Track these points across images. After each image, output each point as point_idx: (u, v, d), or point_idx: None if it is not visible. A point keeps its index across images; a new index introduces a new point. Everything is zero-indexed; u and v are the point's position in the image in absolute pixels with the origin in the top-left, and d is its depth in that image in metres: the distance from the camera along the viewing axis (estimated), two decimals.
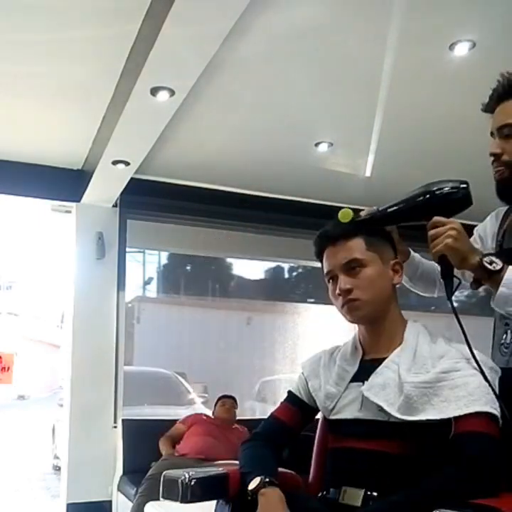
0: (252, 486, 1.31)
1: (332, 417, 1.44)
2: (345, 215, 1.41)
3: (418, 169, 4.20)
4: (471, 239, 1.46)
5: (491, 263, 1.28)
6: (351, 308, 1.39)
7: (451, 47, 2.68)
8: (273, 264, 7.39)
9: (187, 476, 1.38)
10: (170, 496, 1.41)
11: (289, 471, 1.54)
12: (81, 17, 2.51)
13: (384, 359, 1.37)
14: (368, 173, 4.20)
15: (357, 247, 1.40)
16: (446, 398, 1.24)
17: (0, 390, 16.54)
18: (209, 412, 4.15)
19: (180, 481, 1.37)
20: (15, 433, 10.95)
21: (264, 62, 2.86)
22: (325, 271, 1.45)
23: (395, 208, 1.38)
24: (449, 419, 1.23)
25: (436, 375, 1.27)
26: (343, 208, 1.44)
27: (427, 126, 3.55)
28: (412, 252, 1.64)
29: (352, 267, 1.39)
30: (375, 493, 1.29)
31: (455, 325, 1.31)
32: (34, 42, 2.67)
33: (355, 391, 1.39)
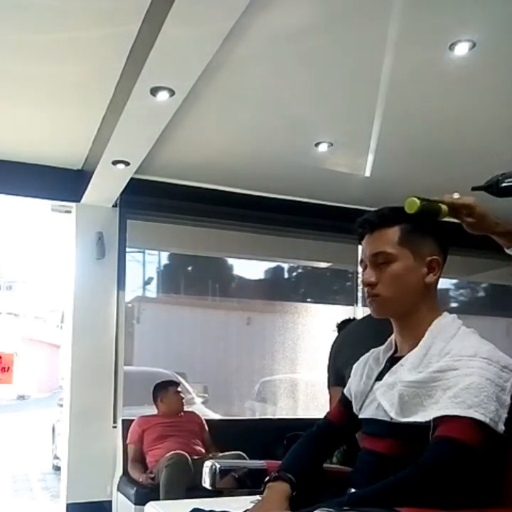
0: (267, 479, 1.41)
1: (360, 416, 1.45)
2: (411, 207, 1.29)
3: (418, 169, 4.21)
4: None
5: None
6: (372, 303, 1.37)
7: (451, 47, 2.68)
8: (273, 264, 7.38)
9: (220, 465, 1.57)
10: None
11: (342, 467, 1.63)
12: (81, 17, 2.51)
13: (399, 357, 1.36)
14: (367, 173, 4.20)
15: (389, 240, 1.34)
16: (438, 400, 1.19)
17: (0, 390, 16.55)
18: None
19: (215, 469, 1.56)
20: (15, 433, 10.94)
21: (264, 62, 2.86)
22: (360, 260, 1.42)
23: (510, 182, 1.28)
24: (430, 421, 1.19)
25: (429, 375, 1.22)
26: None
27: (427, 126, 3.55)
28: None
29: (379, 261, 1.35)
30: None
31: None
32: (34, 42, 2.68)
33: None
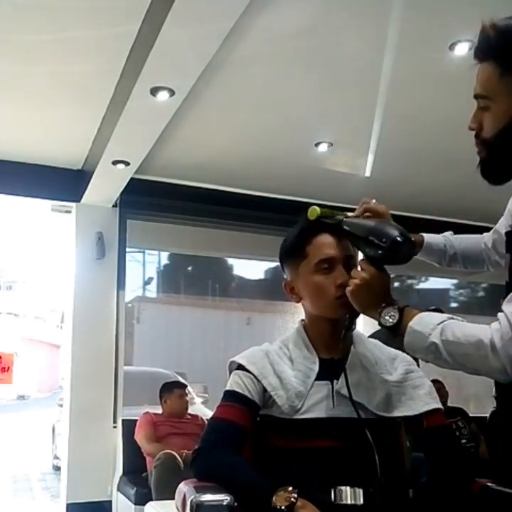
0: (281, 501, 1.21)
1: (298, 417, 1.37)
2: (312, 212, 1.44)
3: (418, 169, 4.21)
4: (505, 212, 1.36)
5: (390, 316, 1.19)
6: (343, 305, 1.34)
7: (451, 47, 2.68)
8: (273, 264, 7.38)
9: (230, 499, 1.24)
10: None
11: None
12: (81, 17, 2.51)
13: (340, 359, 1.38)
14: (367, 173, 4.20)
15: (351, 247, 1.40)
16: (411, 396, 1.39)
17: (0, 390, 16.56)
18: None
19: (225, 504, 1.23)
20: (15, 433, 10.95)
21: (264, 62, 2.86)
22: (324, 257, 1.38)
23: (348, 228, 1.35)
24: (418, 415, 1.38)
25: (402, 376, 1.41)
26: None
27: (427, 126, 3.55)
28: (427, 239, 1.50)
29: (350, 264, 1.38)
30: (371, 489, 1.30)
31: None
32: (34, 42, 2.68)
33: (324, 389, 1.37)
